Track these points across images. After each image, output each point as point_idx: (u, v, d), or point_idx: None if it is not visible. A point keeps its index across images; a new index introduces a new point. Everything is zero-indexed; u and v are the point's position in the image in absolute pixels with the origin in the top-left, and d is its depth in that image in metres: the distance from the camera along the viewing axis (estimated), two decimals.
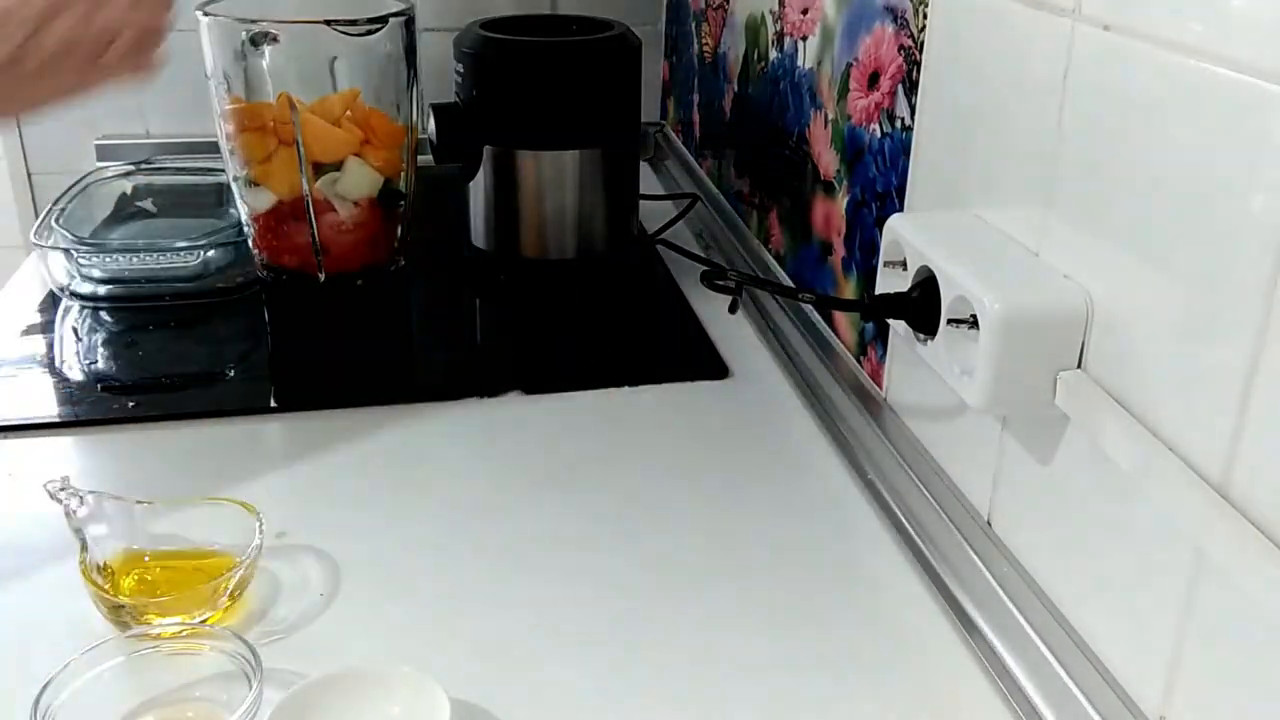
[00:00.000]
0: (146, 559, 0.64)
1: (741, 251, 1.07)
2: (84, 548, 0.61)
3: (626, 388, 0.86)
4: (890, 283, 0.65)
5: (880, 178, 0.77)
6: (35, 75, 0.60)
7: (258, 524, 0.62)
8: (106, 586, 0.61)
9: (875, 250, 0.74)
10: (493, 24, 1.01)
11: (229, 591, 0.60)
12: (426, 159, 1.01)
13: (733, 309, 0.78)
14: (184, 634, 0.58)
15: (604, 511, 0.72)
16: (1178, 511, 0.47)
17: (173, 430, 0.77)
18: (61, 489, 0.62)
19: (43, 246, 0.97)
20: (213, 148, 1.01)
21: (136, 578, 0.63)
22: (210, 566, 0.62)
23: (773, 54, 0.99)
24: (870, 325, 0.80)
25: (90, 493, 0.63)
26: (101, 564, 0.62)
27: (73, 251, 0.97)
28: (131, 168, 1.22)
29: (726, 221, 1.13)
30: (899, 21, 0.73)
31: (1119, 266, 0.51)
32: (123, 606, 0.59)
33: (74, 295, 0.98)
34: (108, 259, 0.98)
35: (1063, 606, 0.58)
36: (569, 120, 0.98)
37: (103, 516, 0.63)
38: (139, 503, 0.64)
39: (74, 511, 0.62)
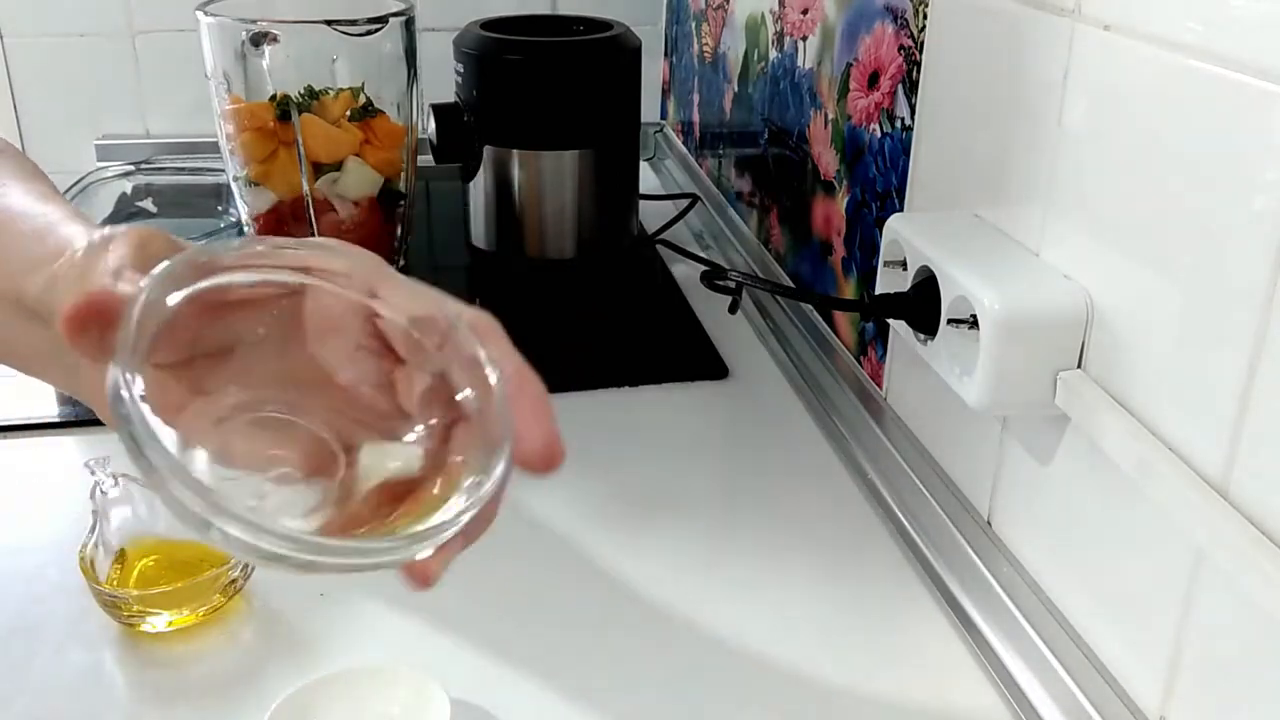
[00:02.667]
0: (154, 549, 0.64)
1: (741, 251, 1.07)
2: (91, 530, 0.61)
3: (626, 388, 0.86)
4: (890, 283, 0.65)
5: (880, 178, 0.77)
6: None
7: None
8: (112, 575, 0.61)
9: (875, 250, 0.74)
10: (493, 24, 1.01)
11: (226, 585, 0.60)
12: (426, 159, 1.01)
13: (733, 309, 0.78)
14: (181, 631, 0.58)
15: (603, 511, 0.72)
16: (1178, 512, 0.47)
17: None
18: (99, 465, 0.63)
19: None
20: (213, 148, 1.01)
21: (142, 567, 0.63)
22: (213, 559, 0.62)
23: (773, 54, 0.99)
24: (870, 325, 0.80)
25: (123, 475, 0.63)
26: (116, 548, 0.62)
27: None
28: (131, 168, 1.22)
29: (726, 221, 1.13)
30: (899, 21, 0.73)
31: (1119, 266, 0.51)
32: (118, 597, 0.59)
33: None
34: None
35: (1062, 606, 0.58)
36: (569, 120, 0.98)
37: (128, 500, 0.63)
38: None
39: (104, 491, 0.62)
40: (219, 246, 0.39)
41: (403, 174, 0.99)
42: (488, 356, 0.40)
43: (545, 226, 1.02)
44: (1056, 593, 0.58)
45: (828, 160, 0.87)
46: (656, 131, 1.41)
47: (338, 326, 0.41)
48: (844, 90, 0.83)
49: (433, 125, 0.98)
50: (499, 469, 0.38)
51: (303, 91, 0.93)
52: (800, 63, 0.92)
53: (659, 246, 1.09)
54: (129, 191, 1.20)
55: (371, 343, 0.41)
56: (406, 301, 0.41)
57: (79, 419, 0.80)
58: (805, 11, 0.90)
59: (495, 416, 0.39)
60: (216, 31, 0.92)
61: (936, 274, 0.60)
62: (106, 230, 0.42)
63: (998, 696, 0.57)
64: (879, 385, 0.79)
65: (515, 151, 0.99)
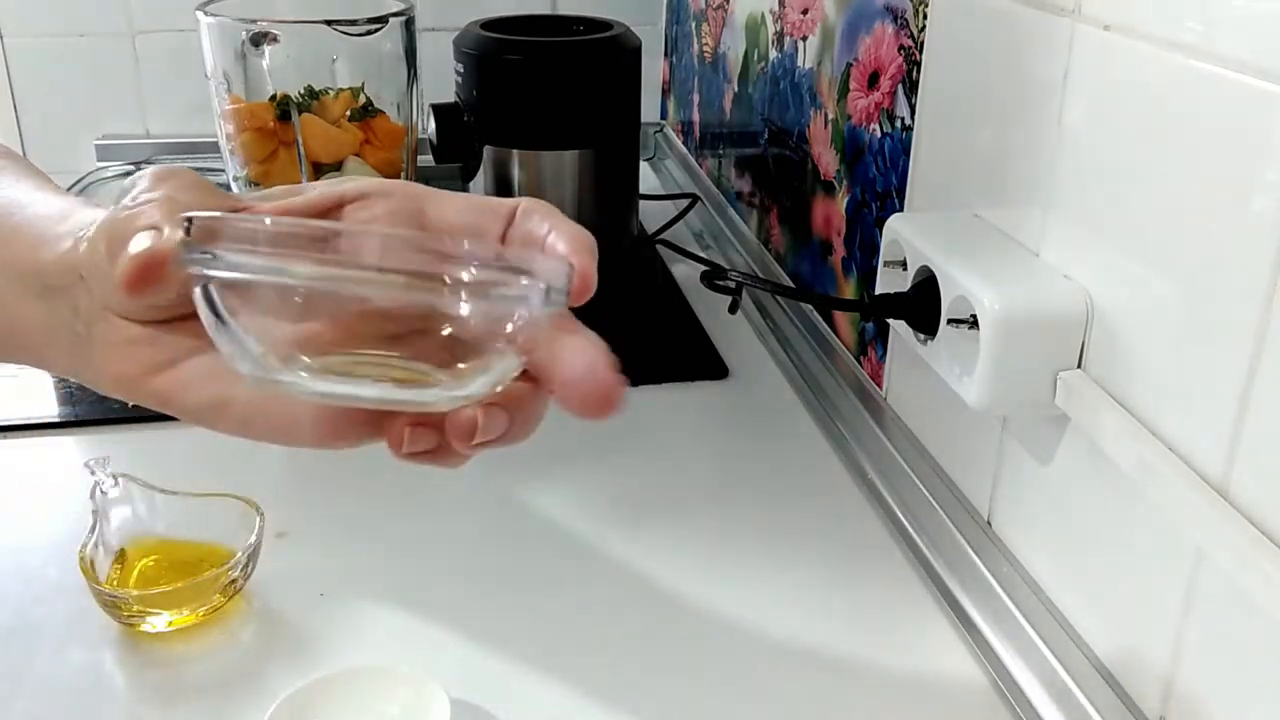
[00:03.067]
0: (154, 549, 0.64)
1: (741, 251, 1.07)
2: (91, 530, 0.61)
3: (626, 388, 0.86)
4: (890, 283, 0.65)
5: (880, 178, 0.77)
6: None
7: (258, 519, 0.62)
8: (112, 575, 0.61)
9: (875, 250, 0.74)
10: (493, 24, 1.01)
11: (226, 585, 0.60)
12: (426, 159, 1.01)
13: (733, 309, 0.78)
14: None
15: (603, 511, 0.72)
16: (1178, 511, 0.47)
17: (172, 430, 0.77)
18: (99, 465, 0.63)
19: None
20: (213, 148, 1.01)
21: (142, 567, 0.63)
22: (213, 559, 0.62)
23: (773, 54, 0.99)
24: (870, 325, 0.80)
25: (123, 475, 0.63)
26: (116, 548, 0.62)
27: None
28: (131, 168, 1.22)
29: (726, 221, 1.13)
30: (899, 21, 0.73)
31: (1119, 266, 0.51)
32: (118, 597, 0.59)
33: None
34: None
35: (1062, 606, 0.58)
36: (569, 120, 0.98)
37: (128, 500, 0.63)
38: (162, 492, 0.64)
39: (104, 491, 0.62)
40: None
41: (403, 174, 0.99)
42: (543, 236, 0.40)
43: None
44: (1056, 592, 0.58)
45: (828, 160, 0.87)
46: (656, 131, 1.42)
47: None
48: (844, 90, 0.83)
49: (433, 125, 0.98)
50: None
51: (303, 91, 0.93)
52: (800, 63, 0.92)
53: (659, 246, 1.09)
54: None
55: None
56: (455, 217, 0.41)
57: (79, 419, 0.80)
58: (805, 11, 0.90)
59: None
60: (216, 31, 0.92)
61: (936, 274, 0.60)
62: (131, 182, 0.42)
63: (997, 696, 0.57)
64: (879, 385, 0.79)
65: (515, 151, 0.99)
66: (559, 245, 0.42)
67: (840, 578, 0.66)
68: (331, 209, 0.42)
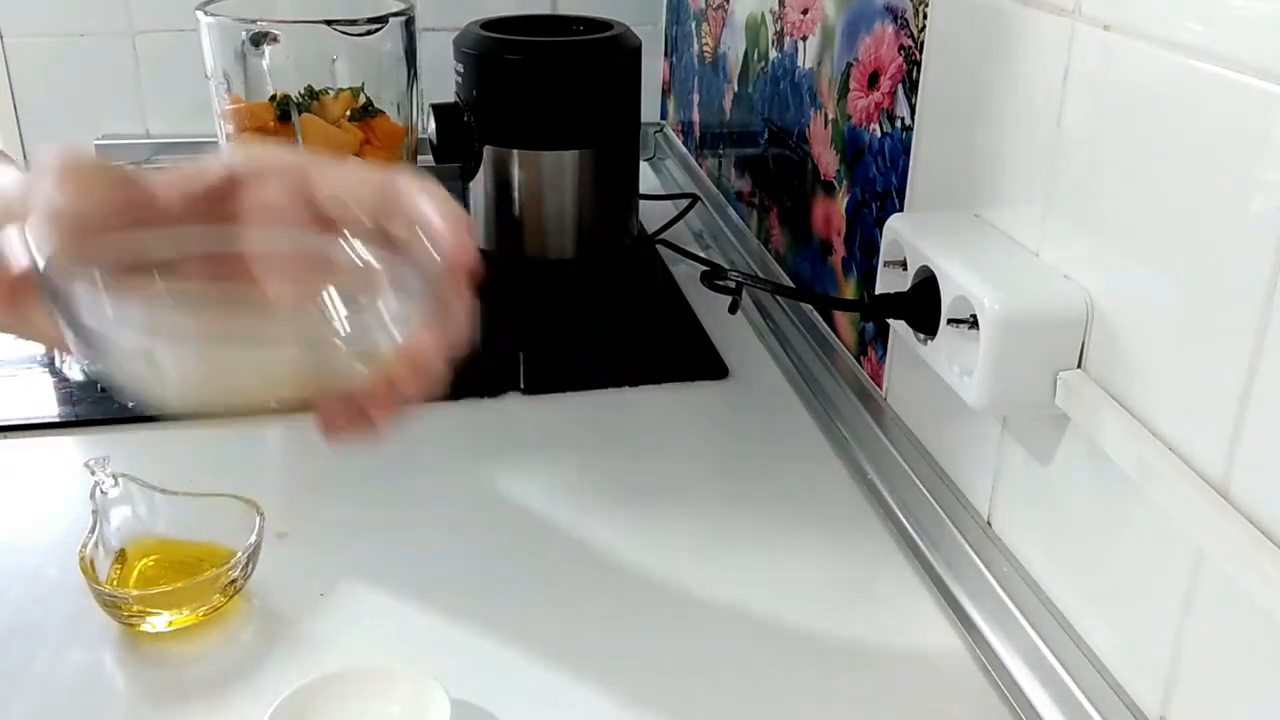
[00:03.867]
0: (154, 549, 0.64)
1: (741, 251, 1.07)
2: (91, 530, 0.61)
3: (626, 388, 0.86)
4: (890, 283, 0.65)
5: (880, 178, 0.77)
6: None
7: (258, 519, 0.62)
8: (112, 575, 0.61)
9: (875, 250, 0.74)
10: (493, 24, 1.01)
11: (226, 585, 0.60)
12: (426, 159, 1.01)
13: (733, 309, 0.78)
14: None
15: (602, 511, 0.72)
16: (1178, 511, 0.47)
17: (172, 430, 0.77)
18: (99, 465, 0.63)
19: None
20: (213, 148, 1.01)
21: (142, 567, 0.63)
22: (213, 559, 0.62)
23: (773, 54, 0.99)
24: (870, 325, 0.80)
25: (123, 475, 0.63)
26: (116, 548, 0.62)
27: None
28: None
29: (726, 221, 1.13)
30: (899, 21, 0.73)
31: (1119, 267, 0.51)
32: (118, 597, 0.59)
33: None
34: None
35: (1062, 606, 0.58)
36: (569, 120, 0.98)
37: (128, 500, 0.63)
38: (162, 492, 0.64)
39: (104, 491, 0.62)
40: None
41: None
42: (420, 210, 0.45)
43: (545, 226, 1.02)
44: (1056, 592, 0.58)
45: (828, 160, 0.87)
46: (656, 131, 1.42)
47: (275, 218, 0.44)
48: (844, 90, 0.83)
49: (433, 125, 0.98)
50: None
51: (303, 91, 0.93)
52: (800, 63, 0.92)
53: (659, 246, 1.09)
54: None
55: (312, 224, 0.45)
56: (343, 190, 0.45)
57: (79, 419, 0.80)
58: (805, 11, 0.90)
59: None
60: (216, 31, 0.92)
61: (936, 274, 0.60)
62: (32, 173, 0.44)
63: (997, 697, 0.57)
64: (879, 385, 0.79)
65: (515, 151, 0.99)
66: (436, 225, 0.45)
67: (839, 578, 0.66)
68: (227, 190, 0.44)
